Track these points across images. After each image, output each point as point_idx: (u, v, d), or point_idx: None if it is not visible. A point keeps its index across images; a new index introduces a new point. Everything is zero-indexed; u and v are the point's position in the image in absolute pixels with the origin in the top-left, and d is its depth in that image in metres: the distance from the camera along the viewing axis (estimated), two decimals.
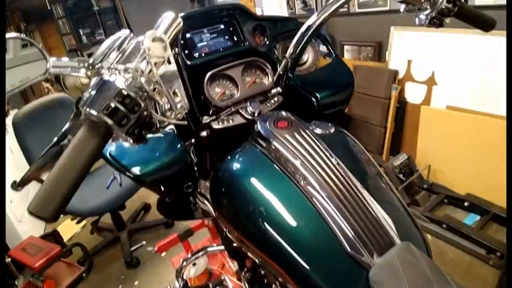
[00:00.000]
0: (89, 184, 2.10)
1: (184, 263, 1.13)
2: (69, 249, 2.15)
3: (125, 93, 0.45)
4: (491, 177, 1.85)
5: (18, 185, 0.84)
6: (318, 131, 0.80)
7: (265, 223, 0.66)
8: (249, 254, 0.78)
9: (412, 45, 2.11)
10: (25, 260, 1.88)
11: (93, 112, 0.45)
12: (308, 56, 1.05)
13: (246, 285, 0.89)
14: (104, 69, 0.47)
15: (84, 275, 2.06)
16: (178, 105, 0.49)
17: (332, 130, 0.82)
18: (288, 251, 0.62)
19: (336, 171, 0.67)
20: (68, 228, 2.56)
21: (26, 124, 1.93)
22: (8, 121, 2.50)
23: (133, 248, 2.21)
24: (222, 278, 1.11)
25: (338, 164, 0.68)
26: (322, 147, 0.71)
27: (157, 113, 0.50)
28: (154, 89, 0.46)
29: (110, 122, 0.45)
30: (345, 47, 2.61)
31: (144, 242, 2.30)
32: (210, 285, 1.10)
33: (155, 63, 0.47)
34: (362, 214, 0.63)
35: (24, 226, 2.26)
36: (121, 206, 2.18)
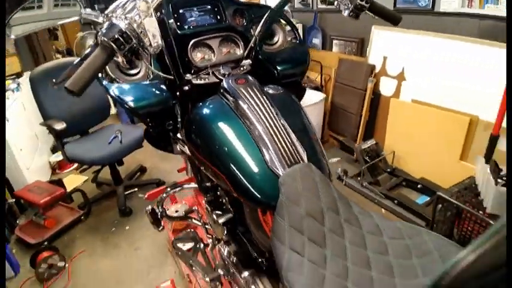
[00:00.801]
0: (94, 140, 2.41)
1: (165, 194, 1.42)
2: (71, 194, 2.46)
3: (124, 31, 0.76)
4: (443, 164, 2.12)
5: (54, 84, 1.14)
6: (270, 90, 1.08)
7: (219, 148, 0.95)
8: (208, 175, 1.07)
9: (389, 43, 2.36)
10: (30, 198, 2.18)
11: (105, 39, 0.75)
12: (278, 38, 1.32)
13: (208, 206, 1.18)
14: (113, 17, 0.77)
15: (83, 217, 2.38)
16: (154, 44, 0.79)
17: (280, 91, 1.10)
18: (231, 166, 0.91)
19: (271, 114, 0.95)
20: (71, 181, 2.86)
21: (42, 80, 2.21)
22: (22, 80, 2.82)
23: (126, 193, 2.52)
24: (194, 208, 1.41)
25: (274, 110, 0.96)
26: (265, 99, 0.99)
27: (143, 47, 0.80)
28: (141, 32, 0.76)
29: (114, 46, 0.75)
30: (334, 41, 2.86)
31: (136, 189, 2.62)
32: (184, 213, 1.40)
33: (143, 16, 0.76)
34: (283, 143, 0.91)
35: (31, 174, 2.54)
36: (119, 162, 2.47)
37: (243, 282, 1.05)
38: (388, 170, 2.42)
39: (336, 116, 2.90)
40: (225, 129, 0.97)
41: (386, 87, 2.45)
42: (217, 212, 1.13)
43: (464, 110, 1.99)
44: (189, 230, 1.44)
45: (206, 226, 1.38)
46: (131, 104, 1.03)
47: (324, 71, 2.95)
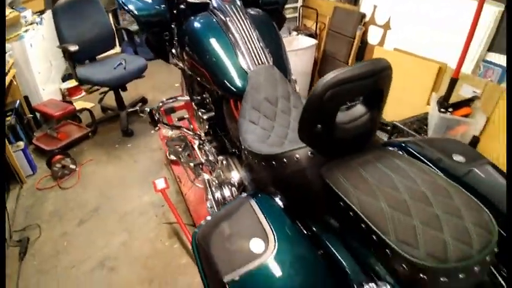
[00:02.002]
0: (101, 65, 2.65)
1: (161, 103, 1.68)
2: (80, 112, 2.74)
3: None
4: (413, 109, 2.35)
5: None
6: (251, 11, 1.29)
7: (205, 51, 1.19)
8: (196, 76, 1.32)
9: None
10: (47, 111, 2.47)
11: None
12: None
13: (195, 106, 1.45)
14: None
15: (90, 134, 2.69)
16: None
17: (260, 14, 1.31)
18: (213, 64, 1.17)
19: (247, 27, 1.18)
20: (79, 105, 3.12)
21: (64, 11, 2.48)
22: (45, 16, 3.09)
23: (129, 110, 2.82)
24: (185, 116, 1.69)
25: (251, 25, 1.19)
26: (245, 16, 1.21)
27: None
28: None
29: None
30: None
31: (138, 107, 2.91)
32: (176, 118, 1.68)
33: None
34: (254, 49, 1.15)
35: (46, 94, 2.83)
36: (123, 87, 2.72)
37: (219, 163, 1.35)
38: None
39: (326, 64, 3.09)
40: (210, 36, 1.21)
41: (374, 35, 2.62)
42: (202, 110, 1.40)
43: (436, 58, 2.18)
44: (180, 135, 1.73)
45: (194, 132, 1.66)
46: (135, 12, 1.26)
47: (319, 19, 3.08)
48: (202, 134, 1.51)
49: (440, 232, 0.54)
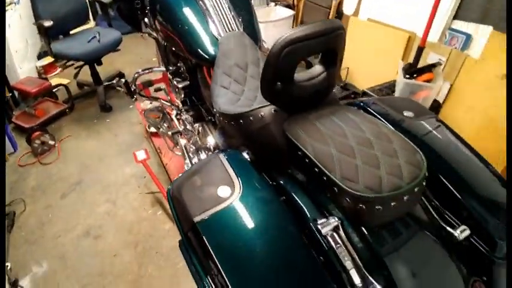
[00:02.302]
0: (75, 39, 2.60)
1: (136, 74, 1.69)
2: (56, 88, 2.70)
3: None
4: (384, 78, 2.44)
5: None
6: None
7: (178, 20, 1.22)
8: (170, 45, 1.35)
9: None
10: (24, 88, 2.43)
11: None
12: None
13: (171, 76, 1.48)
14: None
15: (67, 110, 2.66)
16: None
17: None
18: (186, 32, 1.20)
19: None
20: (55, 82, 3.06)
21: None
22: None
23: (106, 84, 2.80)
24: (161, 86, 1.72)
25: None
26: None
27: None
28: None
29: None
30: None
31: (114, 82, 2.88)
32: (152, 89, 1.71)
33: None
34: (225, 16, 1.19)
35: (23, 72, 2.78)
36: (98, 61, 2.68)
37: (196, 130, 1.41)
38: (341, 84, 2.74)
39: None
40: (181, 5, 1.23)
41: (349, 5, 2.65)
42: (177, 79, 1.44)
43: (407, 27, 2.25)
44: (157, 104, 1.76)
45: (171, 102, 1.70)
46: None
47: None
48: (180, 104, 1.56)
49: (378, 169, 0.63)
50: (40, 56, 3.34)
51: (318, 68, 0.82)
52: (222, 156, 0.80)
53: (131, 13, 1.42)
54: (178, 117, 1.61)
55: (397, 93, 1.78)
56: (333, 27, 0.74)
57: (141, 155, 1.85)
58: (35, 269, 1.58)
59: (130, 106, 2.74)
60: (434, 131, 0.88)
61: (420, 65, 2.00)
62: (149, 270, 1.55)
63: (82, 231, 1.76)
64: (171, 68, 1.47)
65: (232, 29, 1.19)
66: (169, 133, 1.55)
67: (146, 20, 1.41)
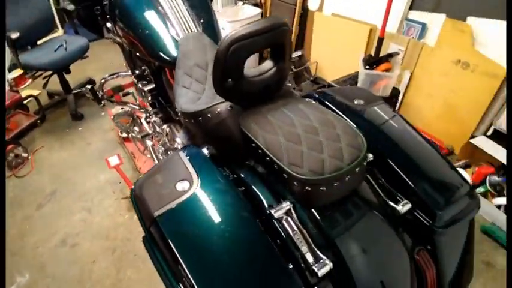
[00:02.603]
0: (42, 49, 2.57)
1: (103, 80, 1.69)
2: (26, 99, 2.64)
3: None
4: (349, 70, 2.52)
5: None
6: None
7: (139, 25, 1.24)
8: (132, 50, 1.36)
9: None
10: None
11: None
12: None
13: (136, 80, 1.49)
14: None
15: (38, 122, 2.61)
16: None
17: None
18: (147, 36, 1.22)
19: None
20: (26, 93, 2.98)
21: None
22: None
23: (75, 92, 2.76)
24: (130, 90, 1.72)
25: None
26: None
27: None
28: None
29: None
30: None
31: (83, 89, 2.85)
32: (121, 95, 1.72)
33: None
34: (183, 18, 1.22)
35: None
36: (67, 69, 2.64)
37: (164, 132, 1.43)
38: (311, 78, 2.81)
39: None
40: (140, 9, 1.25)
41: (314, 1, 2.71)
42: (143, 82, 1.45)
43: (368, 20, 2.34)
44: (127, 109, 1.76)
45: (140, 106, 1.71)
46: None
47: None
48: (149, 107, 1.57)
49: (321, 153, 0.68)
50: (10, 69, 3.27)
51: (267, 64, 0.86)
52: (181, 153, 0.84)
53: (91, 19, 1.43)
54: (148, 120, 1.63)
55: (359, 84, 1.85)
56: (276, 24, 0.78)
57: (113, 160, 1.85)
58: (19, 278, 1.57)
59: (102, 113, 2.71)
60: (382, 116, 0.94)
61: (382, 55, 2.09)
62: (128, 274, 1.56)
63: (59, 240, 1.75)
64: (136, 71, 1.49)
65: (192, 30, 1.22)
66: (139, 136, 1.56)
67: (109, 24, 1.42)
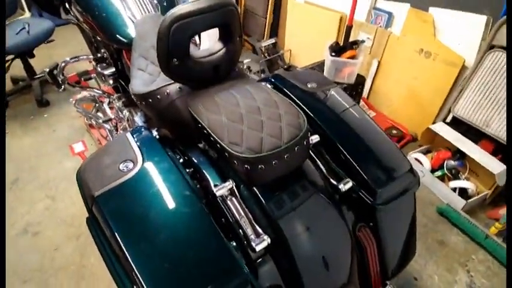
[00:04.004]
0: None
1: (63, 64, 1.63)
2: None
3: None
4: (321, 56, 2.54)
5: None
6: None
7: (95, 7, 1.19)
8: (89, 32, 1.32)
9: None
10: None
11: None
12: None
13: (95, 63, 1.45)
14: None
15: None
16: None
17: None
18: (103, 18, 1.18)
19: None
20: None
21: None
22: None
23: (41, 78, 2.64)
24: (92, 75, 1.68)
25: None
26: None
27: None
28: None
29: None
30: None
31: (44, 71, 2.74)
32: (82, 79, 1.67)
33: None
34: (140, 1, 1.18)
35: None
36: (30, 54, 2.52)
37: (125, 117, 1.41)
38: (285, 66, 2.82)
39: (248, 20, 3.13)
40: None
41: None
42: (102, 65, 1.41)
43: (339, 9, 2.35)
44: (88, 94, 1.72)
45: (103, 91, 1.67)
46: None
47: None
48: (112, 92, 1.53)
49: (260, 132, 0.69)
50: None
51: (217, 45, 0.86)
52: (128, 134, 0.83)
53: (48, 2, 1.37)
54: (110, 105, 1.59)
55: (325, 71, 1.88)
56: (222, 3, 0.78)
57: (78, 147, 1.81)
58: None
59: (70, 99, 2.60)
60: (332, 99, 0.96)
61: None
62: (91, 260, 1.55)
63: (20, 229, 1.70)
64: (95, 54, 1.45)
65: (149, 11, 1.19)
66: (100, 121, 1.53)
67: (67, 5, 1.37)
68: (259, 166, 0.67)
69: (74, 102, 1.70)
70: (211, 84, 0.85)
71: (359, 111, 0.96)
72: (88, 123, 2.16)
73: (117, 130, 1.55)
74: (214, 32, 0.85)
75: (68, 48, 3.27)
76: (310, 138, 0.80)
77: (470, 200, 1.61)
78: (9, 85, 2.79)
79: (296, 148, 0.69)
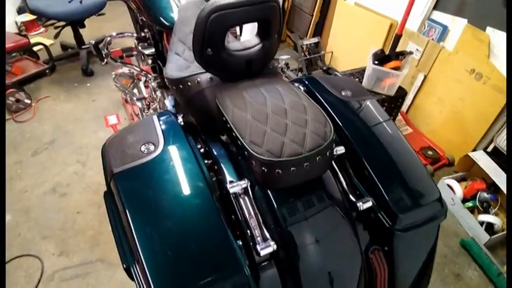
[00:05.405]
0: None
1: (109, 38, 1.69)
2: (35, 46, 2.67)
3: None
4: (363, 61, 2.44)
5: None
6: None
7: None
8: (135, 10, 1.35)
9: None
10: None
11: None
12: None
13: (137, 41, 1.49)
14: None
15: (48, 71, 2.66)
16: None
17: None
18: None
19: None
20: (36, 40, 3.03)
21: None
22: None
23: (83, 47, 2.76)
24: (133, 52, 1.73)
25: None
26: None
27: None
28: None
29: None
30: None
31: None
32: (125, 55, 1.72)
33: None
34: None
35: None
36: (81, 24, 2.65)
37: (157, 97, 1.44)
38: (324, 67, 2.75)
39: (293, 16, 3.08)
40: None
41: None
42: (144, 44, 1.45)
43: (391, 15, 2.24)
44: (128, 70, 1.77)
45: (141, 69, 1.71)
46: None
47: None
48: (151, 71, 1.57)
49: (283, 136, 0.67)
50: (20, 11, 3.25)
51: (253, 40, 0.84)
52: (155, 117, 0.84)
53: None
54: (146, 84, 1.63)
55: (365, 78, 1.80)
56: None
57: (112, 119, 1.88)
58: None
59: (112, 73, 2.73)
60: (365, 110, 0.92)
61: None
62: (109, 229, 1.60)
63: (49, 188, 1.81)
64: (139, 34, 1.48)
65: None
66: (134, 98, 1.58)
67: None
68: (277, 170, 0.65)
69: (113, 76, 1.76)
70: (242, 79, 0.84)
71: (393, 127, 0.91)
72: (124, 98, 2.24)
73: (148, 109, 1.59)
74: (256, 26, 0.84)
75: (116, 22, 3.41)
76: (334, 149, 0.77)
77: (494, 236, 1.51)
78: (58, 50, 2.97)
79: (318, 158, 0.67)
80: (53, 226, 1.62)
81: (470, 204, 1.63)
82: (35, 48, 2.76)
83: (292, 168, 0.65)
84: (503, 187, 1.48)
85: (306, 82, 1.01)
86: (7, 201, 1.72)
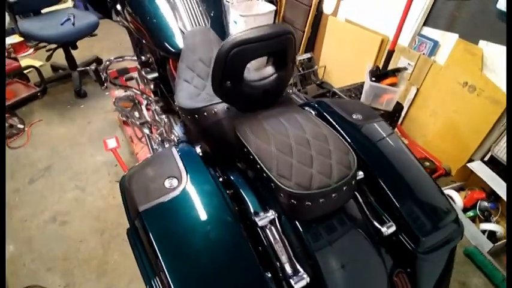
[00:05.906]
0: (46, 19, 2.53)
1: (108, 62, 1.68)
2: (26, 69, 2.63)
3: None
4: (357, 78, 2.51)
5: None
6: None
7: (147, 13, 1.24)
8: (139, 37, 1.36)
9: None
10: None
11: None
12: None
13: (140, 66, 1.49)
14: None
15: (39, 94, 2.61)
16: None
17: None
18: (154, 26, 1.21)
19: None
20: (27, 63, 2.98)
21: None
22: None
23: (82, 69, 2.72)
24: (133, 75, 1.72)
25: None
26: None
27: None
28: None
29: None
30: None
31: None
32: (125, 78, 1.71)
33: None
34: (192, 12, 1.21)
35: None
36: (73, 45, 2.63)
37: (162, 122, 1.43)
38: (318, 82, 2.80)
39: None
40: (153, 2, 1.24)
41: (329, 5, 2.69)
42: (146, 69, 1.45)
43: (381, 30, 2.32)
44: (129, 93, 1.76)
45: (142, 92, 1.71)
46: None
47: None
48: (151, 95, 1.57)
49: (310, 168, 0.68)
50: (8, 33, 3.19)
51: (269, 70, 0.85)
52: (174, 149, 0.84)
53: (100, 2, 1.42)
54: (148, 107, 1.63)
55: (363, 95, 1.85)
56: (281, 31, 0.78)
57: (111, 143, 1.86)
58: None
59: (106, 93, 2.70)
60: (378, 134, 0.94)
61: (390, 68, 2.07)
62: (115, 257, 1.58)
63: (49, 216, 1.76)
64: (141, 58, 1.48)
65: (199, 24, 1.21)
66: (137, 123, 1.57)
67: (118, 7, 1.41)
68: (306, 203, 0.66)
69: (114, 99, 1.75)
70: (259, 108, 0.85)
71: (404, 148, 0.93)
72: (122, 119, 2.21)
73: (151, 133, 1.58)
74: None
75: (107, 42, 3.40)
76: None
77: (497, 244, 1.55)
78: (48, 72, 2.92)
79: (344, 188, 0.68)
80: (56, 256, 1.57)
81: (471, 213, 1.67)
82: (25, 70, 2.71)
83: (321, 200, 0.66)
84: (503, 195, 1.53)
85: (317, 106, 1.03)
86: (8, 231, 1.66)
